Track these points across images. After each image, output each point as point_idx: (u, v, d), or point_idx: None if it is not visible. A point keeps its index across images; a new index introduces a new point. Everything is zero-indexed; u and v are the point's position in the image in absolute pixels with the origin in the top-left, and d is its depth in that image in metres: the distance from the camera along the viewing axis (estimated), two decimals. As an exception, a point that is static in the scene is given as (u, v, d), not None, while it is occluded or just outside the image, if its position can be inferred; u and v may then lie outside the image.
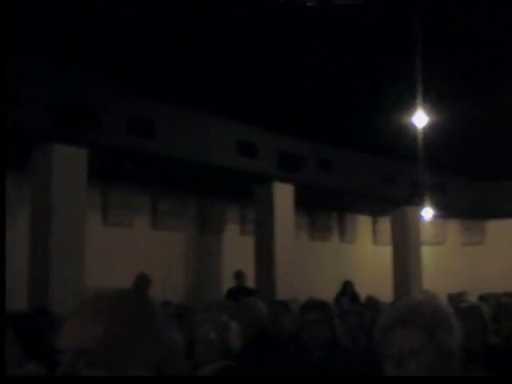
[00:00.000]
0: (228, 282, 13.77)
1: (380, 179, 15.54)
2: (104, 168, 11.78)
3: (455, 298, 11.69)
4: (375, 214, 18.61)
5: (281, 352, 5.80)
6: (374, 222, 19.04)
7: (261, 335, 6.38)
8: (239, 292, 12.27)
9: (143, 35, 11.55)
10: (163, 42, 11.94)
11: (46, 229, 9.99)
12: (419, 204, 15.91)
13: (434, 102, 12.26)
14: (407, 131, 12.69)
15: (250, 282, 13.57)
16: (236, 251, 14.73)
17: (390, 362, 2.32)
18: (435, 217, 16.82)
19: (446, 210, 17.29)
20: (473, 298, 11.77)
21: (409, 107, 12.34)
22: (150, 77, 11.50)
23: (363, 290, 14.41)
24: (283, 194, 13.62)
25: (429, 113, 12.36)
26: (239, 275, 13.54)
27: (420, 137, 12.87)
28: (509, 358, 5.18)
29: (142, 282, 11.33)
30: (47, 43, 10.29)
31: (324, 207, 17.28)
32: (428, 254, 17.82)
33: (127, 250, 12.98)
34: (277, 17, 13.14)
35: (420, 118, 12.42)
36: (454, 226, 19.44)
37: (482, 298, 12.24)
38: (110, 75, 11.08)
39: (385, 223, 18.10)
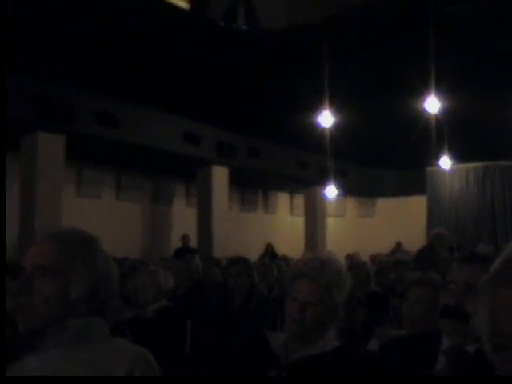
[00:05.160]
0: (176, 243, 13.75)
1: (295, 164, 15.63)
2: (79, 151, 11.56)
3: (350, 257, 11.84)
4: (292, 191, 18.70)
5: (211, 298, 5.79)
6: (291, 198, 19.11)
7: (196, 285, 6.37)
8: (184, 251, 12.27)
9: (111, 47, 11.36)
10: (129, 54, 11.78)
11: (32, 199, 9.84)
12: (325, 184, 16.01)
13: (339, 104, 12.32)
14: (317, 128, 12.75)
15: (194, 243, 13.56)
16: (182, 219, 14.67)
17: (295, 306, 2.28)
18: (338, 195, 16.94)
19: (346, 190, 17.45)
20: (364, 258, 11.90)
21: (319, 108, 12.38)
22: (117, 79, 11.29)
23: (281, 251, 14.51)
24: (220, 175, 13.59)
25: (334, 114, 12.42)
26: (184, 238, 13.54)
27: (327, 132, 12.96)
28: (384, 302, 5.27)
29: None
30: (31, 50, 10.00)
31: (252, 186, 17.30)
32: (332, 224, 18.00)
33: (96, 217, 12.79)
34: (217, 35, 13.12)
35: (327, 118, 12.46)
36: (352, 202, 19.64)
37: (371, 257, 12.41)
38: (85, 77, 10.83)
39: (299, 199, 18.20)
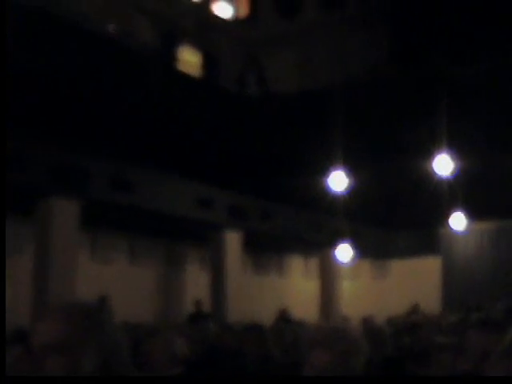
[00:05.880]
0: (190, 308, 13.64)
1: (309, 228, 15.58)
2: (93, 216, 11.63)
3: (365, 321, 11.67)
4: (306, 254, 18.59)
5: (225, 364, 5.71)
6: (305, 261, 18.98)
7: (209, 350, 6.29)
8: (197, 317, 12.18)
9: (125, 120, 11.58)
10: (142, 120, 11.98)
11: (46, 263, 9.87)
12: (339, 247, 15.94)
13: (351, 166, 12.40)
14: (329, 190, 12.78)
15: (207, 307, 13.44)
16: (196, 283, 14.58)
17: (311, 373, 2.24)
18: (352, 257, 16.82)
19: (359, 252, 17.34)
20: (380, 320, 11.71)
21: (331, 170, 12.45)
22: (131, 147, 11.45)
23: (296, 314, 14.34)
24: (232, 239, 13.56)
25: (347, 175, 12.47)
26: (198, 303, 13.45)
27: (340, 194, 12.98)
28: (402, 365, 5.15)
29: None
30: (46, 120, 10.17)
31: (265, 249, 17.22)
32: (346, 287, 17.83)
33: (110, 282, 12.74)
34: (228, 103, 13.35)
35: (339, 181, 12.50)
36: (365, 264, 19.50)
37: (388, 319, 12.23)
38: (98, 143, 11.00)
39: (313, 262, 18.08)
